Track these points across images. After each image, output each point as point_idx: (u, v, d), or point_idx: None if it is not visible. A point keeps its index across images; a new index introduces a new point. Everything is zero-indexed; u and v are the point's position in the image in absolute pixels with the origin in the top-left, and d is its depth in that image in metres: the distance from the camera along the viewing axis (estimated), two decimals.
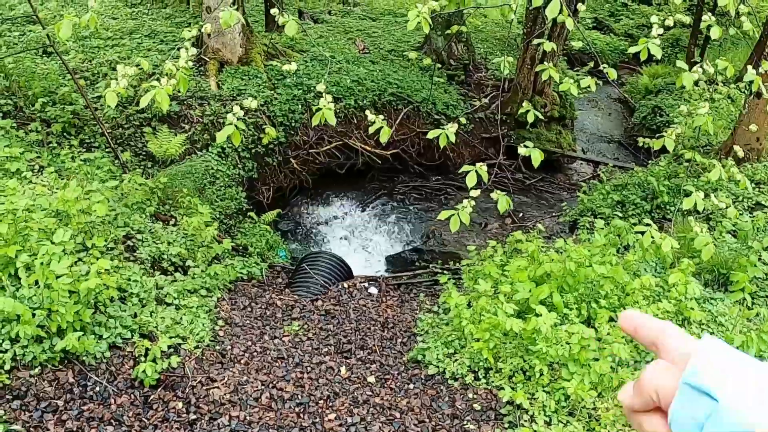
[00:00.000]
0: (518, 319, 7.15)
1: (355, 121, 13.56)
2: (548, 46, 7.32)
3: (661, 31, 6.30)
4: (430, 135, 6.77)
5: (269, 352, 7.79)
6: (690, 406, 0.88)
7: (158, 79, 5.99)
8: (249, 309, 8.70)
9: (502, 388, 7.10)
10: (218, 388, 6.96)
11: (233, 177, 11.53)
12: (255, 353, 7.72)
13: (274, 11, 6.43)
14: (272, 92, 12.82)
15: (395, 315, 9.13)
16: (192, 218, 9.42)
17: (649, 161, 13.15)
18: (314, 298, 9.41)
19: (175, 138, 11.25)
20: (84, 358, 6.73)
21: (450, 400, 7.19)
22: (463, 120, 8.69)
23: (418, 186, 14.48)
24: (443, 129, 6.67)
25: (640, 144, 13.12)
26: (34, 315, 6.40)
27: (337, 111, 13.21)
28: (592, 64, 16.61)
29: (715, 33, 6.47)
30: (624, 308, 7.53)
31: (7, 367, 6.31)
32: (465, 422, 6.87)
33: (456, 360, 7.58)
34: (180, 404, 6.67)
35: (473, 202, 6.38)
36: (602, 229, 9.42)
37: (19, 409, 6.13)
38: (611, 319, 7.43)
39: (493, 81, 15.65)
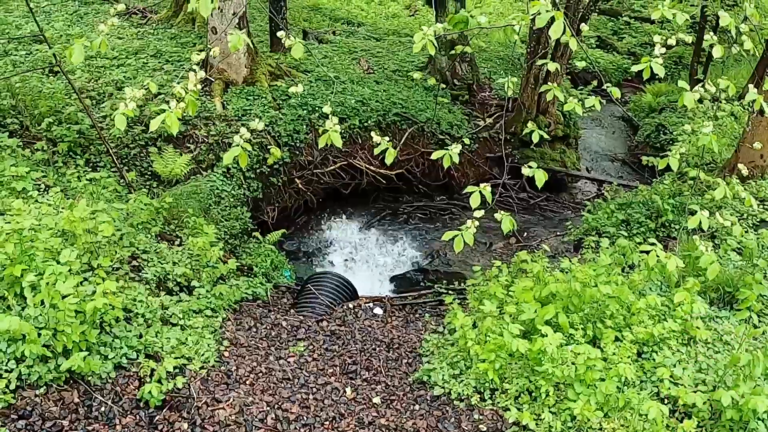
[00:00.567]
0: (524, 340, 7.14)
1: (360, 141, 13.60)
2: (552, 66, 7.34)
3: (663, 50, 6.31)
4: (435, 156, 6.77)
5: (274, 373, 7.78)
6: None
7: (165, 101, 6.01)
8: (254, 329, 8.70)
9: (508, 409, 7.08)
10: (223, 409, 6.95)
11: (238, 197, 11.56)
12: (260, 374, 7.71)
13: (281, 34, 6.47)
14: (277, 112, 12.86)
15: (400, 335, 9.11)
16: (197, 238, 9.43)
17: (654, 179, 13.15)
18: (319, 318, 9.40)
19: (180, 158, 11.29)
20: (89, 378, 6.74)
21: (456, 421, 7.17)
22: (467, 140, 8.68)
23: (423, 206, 14.49)
24: (447, 150, 6.67)
25: (644, 162, 13.15)
26: (39, 334, 6.41)
27: (342, 131, 13.07)
28: (595, 83, 16.68)
29: (718, 52, 6.48)
30: (630, 328, 7.51)
31: (12, 386, 6.32)
32: None
33: (462, 381, 7.56)
34: (185, 425, 6.66)
35: (477, 223, 6.37)
36: (607, 248, 9.41)
37: (24, 429, 6.13)
38: (617, 339, 7.42)
39: (497, 100, 15.69)
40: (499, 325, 7.57)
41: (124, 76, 12.77)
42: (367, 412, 7.34)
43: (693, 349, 7.50)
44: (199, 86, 6.02)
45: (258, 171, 12.07)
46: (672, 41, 6.45)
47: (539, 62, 7.70)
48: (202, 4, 5.59)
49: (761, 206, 10.77)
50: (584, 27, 7.38)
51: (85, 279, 7.29)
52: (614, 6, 27.32)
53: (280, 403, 7.25)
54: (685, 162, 11.89)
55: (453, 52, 13.29)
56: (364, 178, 13.92)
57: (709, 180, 9.40)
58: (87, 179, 9.82)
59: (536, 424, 6.85)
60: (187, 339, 7.64)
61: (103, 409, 6.58)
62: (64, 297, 6.61)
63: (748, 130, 11.69)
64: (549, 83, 7.38)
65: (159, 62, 13.69)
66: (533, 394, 7.14)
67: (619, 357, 7.01)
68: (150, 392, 6.71)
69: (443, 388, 7.59)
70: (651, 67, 6.22)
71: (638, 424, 6.61)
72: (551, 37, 5.92)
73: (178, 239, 9.67)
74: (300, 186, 13.11)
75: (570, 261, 8.76)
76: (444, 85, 15.60)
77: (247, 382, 7.50)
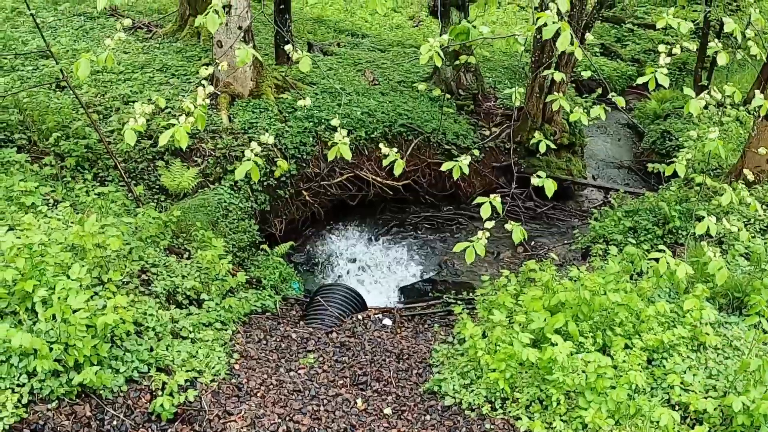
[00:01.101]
0: (534, 349, 7.15)
1: (366, 153, 13.63)
2: (558, 76, 7.39)
3: (668, 59, 6.35)
4: (444, 167, 6.81)
5: (285, 385, 7.80)
6: None
7: (174, 115, 6.07)
8: (264, 342, 8.72)
9: (520, 418, 7.09)
10: (235, 421, 6.97)
11: (246, 210, 11.59)
12: (271, 386, 7.73)
13: (288, 48, 6.52)
14: (283, 125, 12.91)
15: (410, 346, 9.12)
16: (206, 252, 9.47)
17: (660, 186, 13.15)
18: (329, 330, 9.42)
19: (187, 171, 11.33)
20: (101, 392, 6.76)
21: (467, 431, 7.18)
22: (476, 152, 8.73)
23: (430, 216, 14.49)
24: (456, 161, 6.70)
25: (650, 169, 13.15)
26: (51, 349, 6.45)
27: (348, 143, 13.23)
28: (600, 90, 16.69)
29: (723, 59, 6.52)
30: (639, 335, 7.52)
31: (24, 400, 6.35)
32: None
33: (472, 390, 7.57)
34: None
35: (488, 234, 6.40)
36: (615, 256, 9.42)
37: None
38: (627, 347, 7.42)
39: (502, 110, 15.71)
40: (509, 334, 7.58)
41: (130, 91, 12.82)
42: (378, 423, 7.36)
43: (703, 355, 7.51)
44: (207, 101, 6.07)
45: (265, 184, 12.10)
46: (677, 50, 6.49)
47: (545, 73, 7.73)
48: (209, 21, 5.65)
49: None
50: (589, 36, 7.42)
51: (96, 293, 7.33)
52: (617, 13, 27.35)
53: (291, 415, 7.27)
54: (692, 168, 11.89)
55: (457, 62, 13.35)
56: (371, 190, 13.93)
57: (716, 186, 9.44)
58: (95, 194, 9.86)
59: None
60: (197, 352, 7.67)
61: (115, 422, 6.60)
62: (74, 311, 6.66)
63: (753, 135, 11.71)
64: (554, 92, 7.43)
65: (165, 76, 13.74)
66: (544, 402, 7.15)
67: (630, 364, 7.02)
68: (162, 405, 6.73)
69: (454, 398, 7.60)
70: (656, 77, 6.27)
71: (649, 431, 6.62)
72: (558, 48, 5.95)
73: (187, 252, 9.71)
74: (307, 198, 13.14)
75: (578, 269, 8.77)
76: (449, 96, 15.63)
77: (258, 395, 7.52)
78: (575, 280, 8.25)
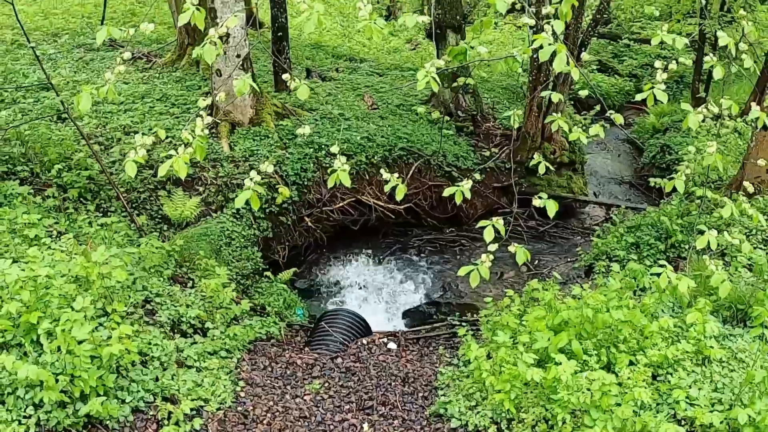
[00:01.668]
0: (538, 369, 7.15)
1: (367, 177, 13.67)
2: (555, 96, 7.42)
3: (665, 76, 6.39)
4: (446, 193, 6.85)
5: (291, 412, 7.80)
6: None
7: (174, 145, 6.12)
8: (269, 369, 8.72)
9: None
10: None
11: (248, 237, 11.62)
12: (277, 413, 7.73)
13: (285, 76, 6.56)
14: (284, 152, 12.96)
15: (415, 369, 9.12)
16: (209, 280, 9.51)
17: (661, 200, 13.17)
18: (334, 355, 9.42)
19: (189, 200, 11.38)
20: (107, 422, 6.78)
21: None
22: (477, 176, 8.77)
23: (433, 239, 14.51)
24: (458, 186, 6.73)
25: (651, 184, 13.17)
26: (57, 380, 6.48)
27: (349, 168, 13.27)
28: (598, 107, 16.74)
29: (718, 74, 6.56)
30: (643, 351, 7.51)
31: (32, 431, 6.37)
32: None
33: (478, 412, 7.57)
34: None
35: (491, 257, 6.41)
36: (618, 272, 9.43)
37: None
38: (631, 363, 7.42)
39: (502, 130, 15.77)
40: (513, 354, 7.58)
41: (131, 121, 12.90)
42: None
43: (708, 369, 7.50)
44: (206, 131, 6.11)
45: (267, 211, 12.14)
46: (672, 66, 6.54)
47: (542, 93, 7.78)
48: (207, 52, 5.71)
49: None
50: (585, 55, 7.47)
51: (100, 324, 7.37)
52: (613, 30, 27.46)
53: None
54: (692, 181, 11.91)
55: (455, 84, 13.41)
56: (373, 214, 13.96)
57: (717, 198, 9.46)
58: (98, 224, 9.91)
59: None
60: (203, 381, 7.68)
61: None
62: (80, 343, 6.69)
63: (752, 146, 11.75)
64: (553, 112, 7.47)
65: (165, 106, 13.82)
66: (550, 422, 7.13)
67: (634, 381, 7.01)
68: None
69: (460, 420, 7.60)
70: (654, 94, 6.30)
71: None
72: (555, 69, 5.99)
73: (191, 281, 9.74)
74: (309, 224, 13.17)
75: (582, 287, 8.78)
76: (448, 118, 15.68)
77: (265, 422, 7.53)
78: (578, 299, 8.25)
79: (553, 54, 5.84)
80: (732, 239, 7.41)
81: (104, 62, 16.16)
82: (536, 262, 13.12)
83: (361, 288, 12.87)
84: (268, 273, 11.34)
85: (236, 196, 9.85)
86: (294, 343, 9.88)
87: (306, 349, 9.64)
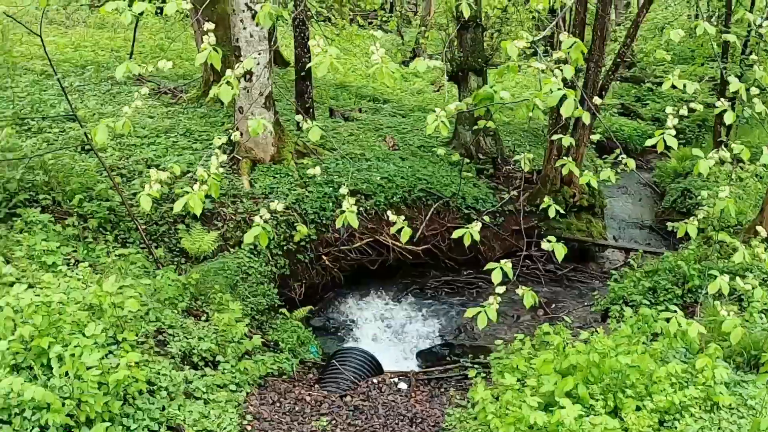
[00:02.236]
0: (542, 412, 7.11)
1: (386, 218, 13.69)
2: (566, 140, 7.46)
3: (676, 121, 6.40)
4: (455, 234, 6.85)
5: None
6: None
7: (193, 179, 6.20)
8: (278, 404, 8.74)
9: None
10: None
11: (265, 274, 11.68)
12: None
13: (298, 117, 6.66)
14: (303, 190, 13.06)
15: (424, 410, 9.10)
16: (223, 314, 9.57)
17: (680, 245, 13.11)
18: (343, 393, 9.42)
19: (208, 235, 11.48)
20: None
21: None
22: (486, 219, 8.78)
23: (450, 280, 14.51)
24: (467, 228, 6.75)
25: (670, 228, 13.11)
26: (63, 404, 6.57)
27: (368, 208, 13.41)
28: (618, 151, 16.71)
29: (729, 118, 6.57)
30: (651, 396, 7.46)
31: None
32: None
33: None
34: None
35: (499, 299, 6.41)
36: (630, 317, 9.38)
37: None
38: (638, 408, 7.36)
39: (522, 173, 15.81)
40: (519, 397, 7.55)
41: (154, 155, 13.06)
42: None
43: (716, 416, 7.42)
44: (221, 169, 6.18)
45: (285, 248, 12.21)
46: (684, 111, 6.56)
47: (554, 137, 7.82)
48: (223, 92, 5.79)
49: None
50: (597, 100, 7.51)
51: (110, 352, 7.45)
52: (636, 73, 27.45)
53: None
54: (711, 226, 11.85)
55: (476, 126, 13.49)
56: (391, 254, 13.98)
57: (734, 243, 9.41)
58: (116, 255, 10.02)
59: None
60: (209, 413, 7.72)
61: None
62: (88, 369, 6.77)
63: None
64: (570, 156, 7.51)
65: (188, 141, 14.00)
66: None
67: (640, 426, 6.95)
68: None
69: None
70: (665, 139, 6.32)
71: None
72: (563, 115, 6.02)
73: (205, 315, 9.80)
74: (327, 262, 13.23)
75: (595, 331, 8.74)
76: (468, 160, 15.75)
77: None
78: (587, 343, 8.22)
79: (563, 99, 5.88)
80: (744, 285, 7.37)
81: (130, 96, 16.37)
82: (553, 306, 13.08)
83: (375, 327, 12.86)
84: (284, 310, 11.38)
85: None
86: (305, 380, 9.90)
87: (316, 386, 9.65)
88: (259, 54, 12.80)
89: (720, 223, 12.11)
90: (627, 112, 24.55)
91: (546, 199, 7.74)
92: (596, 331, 8.72)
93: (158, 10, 14.83)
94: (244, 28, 12.86)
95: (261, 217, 6.23)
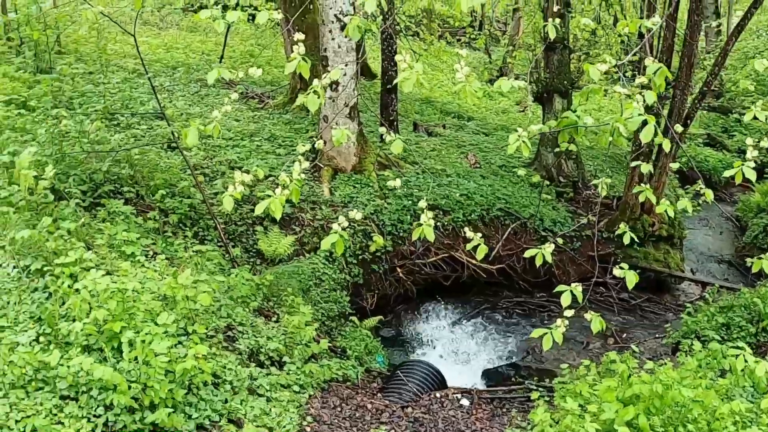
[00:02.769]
0: None
1: (463, 235, 13.70)
2: (645, 168, 7.42)
3: (756, 153, 6.35)
4: (527, 254, 6.87)
5: None
6: None
7: (275, 184, 6.35)
8: (339, 409, 8.84)
9: None
10: None
11: (338, 281, 11.83)
12: None
13: (382, 130, 6.76)
14: (382, 201, 13.18)
15: (484, 428, 9.10)
16: (293, 317, 9.75)
17: (758, 282, 12.82)
18: (405, 404, 9.48)
19: (285, 239, 11.69)
20: None
21: None
22: (561, 241, 8.75)
23: (522, 302, 14.42)
24: (540, 248, 6.76)
25: (749, 264, 12.82)
26: (129, 387, 6.82)
27: (445, 224, 13.46)
28: (699, 182, 16.39)
29: None
30: None
31: (98, 431, 6.67)
32: None
33: None
34: None
35: (566, 322, 6.40)
36: (700, 351, 9.24)
37: None
38: None
39: (602, 198, 15.66)
40: (579, 423, 7.50)
41: (237, 157, 13.36)
42: None
43: None
44: (303, 176, 6.31)
45: (360, 257, 12.36)
46: (765, 143, 6.48)
47: (633, 164, 7.77)
48: (309, 101, 5.93)
49: None
50: (678, 128, 7.46)
51: (180, 342, 7.68)
52: (724, 103, 26.84)
53: None
54: None
55: (558, 149, 13.43)
56: (465, 271, 13.99)
57: None
58: (193, 250, 10.28)
59: None
60: (270, 410, 7.88)
61: None
62: (157, 355, 7.00)
63: None
64: (650, 184, 7.46)
65: (272, 146, 14.28)
66: None
67: None
68: None
69: None
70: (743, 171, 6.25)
71: None
72: (642, 140, 6.00)
73: (275, 316, 10.00)
74: (401, 275, 13.31)
75: (664, 362, 8.62)
76: (549, 182, 15.67)
77: None
78: (652, 373, 8.12)
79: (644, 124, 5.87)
80: None
81: (218, 98, 16.79)
82: (624, 335, 12.91)
83: (444, 342, 12.89)
84: (354, 318, 11.50)
85: None
86: (369, 388, 9.99)
87: (379, 394, 9.73)
88: (346, 65, 13.00)
89: None
90: (713, 142, 23.99)
91: (622, 226, 7.70)
92: (664, 363, 8.61)
93: (250, 17, 15.12)
94: (333, 39, 13.09)
95: (339, 224, 6.32)
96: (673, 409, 7.49)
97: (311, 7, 15.25)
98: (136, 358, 7.02)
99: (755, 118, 6.24)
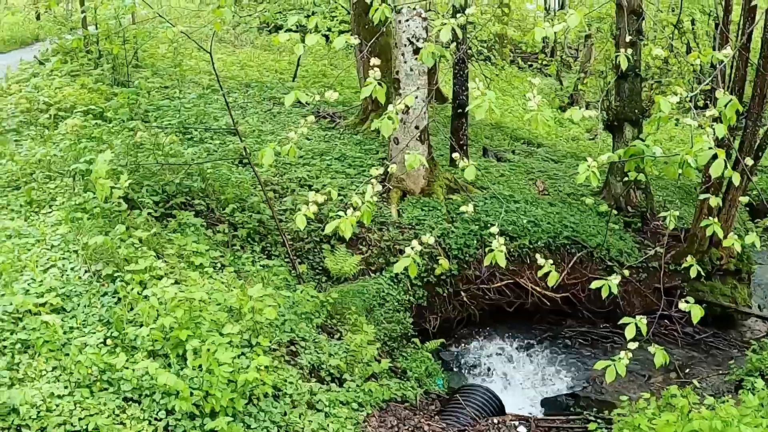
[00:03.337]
0: None
1: (528, 261, 13.70)
2: (714, 201, 7.38)
3: None
4: (594, 285, 6.86)
5: None
6: None
7: (345, 204, 6.48)
8: (396, 429, 8.90)
9: None
10: None
11: (402, 302, 11.92)
12: None
13: (455, 155, 6.84)
14: (450, 225, 13.25)
15: None
16: (356, 335, 9.87)
17: None
18: (461, 428, 9.49)
19: (351, 258, 11.84)
20: None
21: None
22: (626, 273, 8.70)
23: (585, 332, 14.30)
24: (607, 279, 6.75)
25: None
26: (192, 394, 7.02)
27: (511, 250, 13.44)
28: None
29: None
30: None
31: None
32: None
33: None
34: None
35: (630, 355, 6.39)
36: (762, 390, 9.10)
37: None
38: None
39: (669, 230, 15.46)
40: None
41: (307, 175, 13.59)
42: None
43: None
44: (375, 198, 6.43)
45: (425, 279, 12.43)
46: None
47: (701, 196, 7.73)
48: (384, 126, 6.06)
49: None
50: (749, 160, 7.41)
51: (243, 353, 7.86)
52: None
53: None
54: None
55: (627, 178, 13.32)
56: (529, 299, 13.95)
57: None
58: (260, 265, 10.50)
59: None
60: (328, 426, 7.98)
61: None
62: (220, 365, 7.19)
63: None
64: (720, 216, 7.40)
65: (342, 165, 14.47)
66: None
67: None
68: None
69: None
70: None
71: None
72: (712, 175, 5.99)
73: (338, 333, 10.13)
74: (465, 299, 13.34)
75: (724, 399, 8.53)
76: (617, 212, 15.55)
77: None
78: (712, 409, 8.04)
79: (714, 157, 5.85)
80: None
81: (290, 116, 17.10)
82: (687, 370, 12.73)
83: (504, 368, 12.87)
84: (416, 339, 11.58)
85: (396, 260, 10.24)
86: (427, 410, 10.03)
87: (436, 417, 9.77)
88: (418, 88, 13.14)
89: None
90: None
91: (689, 258, 7.65)
92: (725, 400, 8.51)
93: (325, 36, 15.45)
94: (405, 62, 13.25)
95: (412, 248, 6.40)
96: None
97: (384, 29, 15.45)
98: (200, 366, 7.23)
99: None
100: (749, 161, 7.42)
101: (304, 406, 8.05)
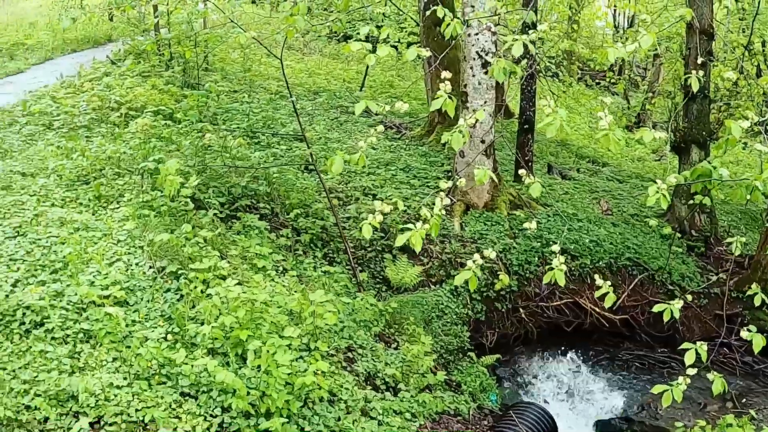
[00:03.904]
0: None
1: (588, 281, 13.61)
2: None
3: None
4: (656, 309, 6.82)
5: None
6: None
7: (409, 216, 6.53)
8: None
9: None
10: None
11: (461, 315, 11.93)
12: None
13: (522, 171, 6.87)
14: (512, 241, 13.23)
15: None
16: (413, 346, 9.91)
17: None
18: None
19: (412, 268, 11.89)
20: None
21: None
22: (689, 297, 8.61)
23: (643, 355, 14.13)
24: (669, 304, 6.71)
25: None
26: (249, 393, 7.17)
27: (572, 269, 13.36)
28: None
29: None
30: None
31: (213, 430, 7.04)
32: None
33: None
34: None
35: (688, 381, 6.35)
36: None
37: None
38: None
39: (735, 256, 15.21)
40: None
41: (372, 184, 13.69)
42: None
43: None
44: (443, 211, 6.48)
45: (484, 294, 12.43)
46: None
47: None
48: (454, 139, 6.12)
49: None
50: None
51: (301, 357, 7.98)
52: None
53: None
54: None
55: (692, 201, 13.15)
56: (588, 319, 13.85)
57: None
58: (322, 271, 10.62)
59: None
60: None
61: None
62: (279, 367, 7.32)
63: None
64: None
65: (407, 176, 14.54)
66: None
67: None
68: None
69: None
70: None
71: None
72: None
73: (395, 343, 10.19)
74: (523, 315, 13.29)
75: None
76: (680, 235, 15.36)
77: None
78: None
79: None
80: None
81: (356, 125, 17.23)
82: (744, 399, 12.51)
83: (559, 388, 12.78)
84: (472, 354, 11.56)
85: (457, 273, 10.27)
86: (479, 425, 10.02)
87: None
88: (485, 102, 13.16)
89: None
90: None
91: (754, 286, 7.55)
92: None
93: (394, 47, 15.60)
94: (473, 76, 13.29)
95: (474, 261, 6.44)
96: None
97: (452, 42, 15.50)
98: (258, 367, 7.36)
99: None
100: None
101: (358, 412, 8.12)
